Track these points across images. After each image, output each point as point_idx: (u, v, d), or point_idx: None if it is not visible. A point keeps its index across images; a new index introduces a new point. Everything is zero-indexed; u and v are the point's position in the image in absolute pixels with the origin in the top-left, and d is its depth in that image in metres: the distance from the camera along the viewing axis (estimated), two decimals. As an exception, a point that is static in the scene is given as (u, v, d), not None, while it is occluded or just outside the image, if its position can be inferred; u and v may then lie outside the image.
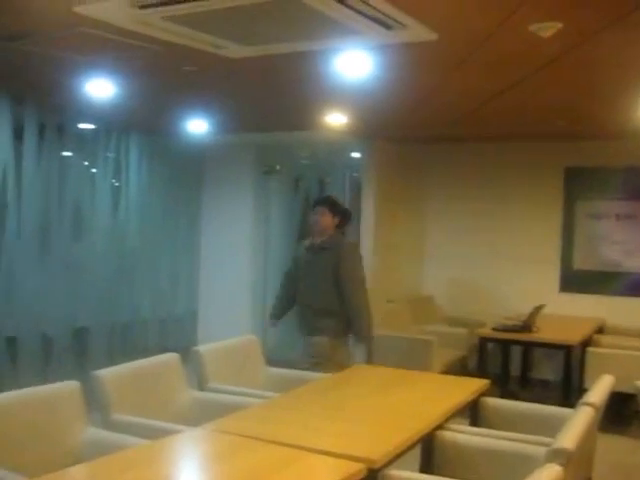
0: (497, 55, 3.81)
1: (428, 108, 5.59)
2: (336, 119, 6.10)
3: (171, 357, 4.03)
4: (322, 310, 5.13)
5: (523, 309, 6.28)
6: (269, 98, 5.42)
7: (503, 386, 6.33)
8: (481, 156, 7.61)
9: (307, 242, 5.43)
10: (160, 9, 2.89)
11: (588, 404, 3.12)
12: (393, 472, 2.79)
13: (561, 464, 2.43)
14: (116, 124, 6.83)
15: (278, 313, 5.56)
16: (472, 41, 3.54)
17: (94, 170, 6.89)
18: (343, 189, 8.61)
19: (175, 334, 7.72)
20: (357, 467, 2.59)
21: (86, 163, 6.84)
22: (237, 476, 2.53)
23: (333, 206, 5.33)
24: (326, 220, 5.25)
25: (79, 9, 2.88)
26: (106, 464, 2.64)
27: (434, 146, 7.78)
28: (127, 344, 6.98)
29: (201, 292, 8.32)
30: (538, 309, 6.13)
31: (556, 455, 2.52)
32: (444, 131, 6.84)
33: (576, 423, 2.87)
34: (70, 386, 3.36)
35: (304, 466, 2.64)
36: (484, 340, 6.18)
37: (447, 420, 3.43)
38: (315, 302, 5.18)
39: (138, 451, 2.86)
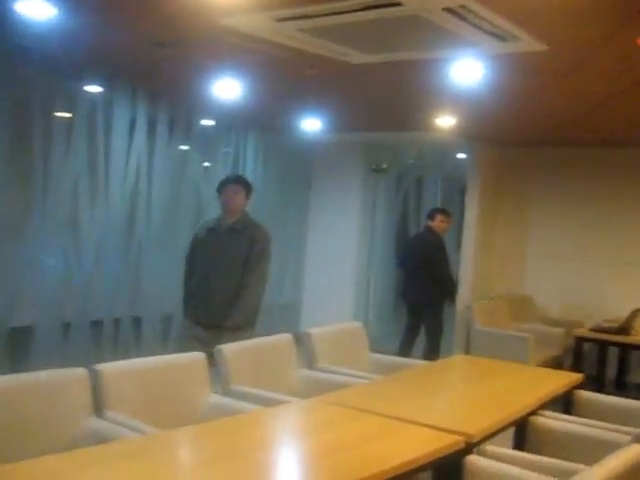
0: (605, 64, 3.98)
1: (536, 112, 5.74)
2: (445, 121, 6.34)
3: (285, 337, 4.38)
4: (224, 300, 4.65)
5: (624, 312, 6.34)
6: (384, 100, 5.70)
7: (598, 388, 6.39)
8: (587, 160, 7.63)
9: (210, 222, 4.93)
10: (295, 22, 3.24)
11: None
12: (489, 447, 3.05)
13: (646, 447, 2.62)
14: (236, 121, 7.28)
15: (184, 311, 4.92)
16: (580, 52, 3.74)
17: (214, 164, 7.35)
18: (442, 189, 8.83)
19: (279, 322, 8.08)
20: (456, 439, 2.86)
21: (207, 157, 7.29)
22: (344, 441, 2.80)
23: (248, 186, 4.89)
24: (240, 200, 4.79)
25: (226, 21, 3.26)
26: (224, 425, 2.99)
27: (539, 150, 7.87)
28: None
29: (306, 283, 8.73)
30: (637, 312, 6.20)
31: (642, 438, 2.72)
32: (551, 135, 6.95)
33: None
34: (197, 356, 3.75)
35: (407, 435, 2.92)
36: (580, 340, 6.29)
37: (540, 408, 3.65)
38: (228, 289, 4.65)
39: (252, 415, 3.22)
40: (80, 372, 3.16)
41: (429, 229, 7.25)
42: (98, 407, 3.17)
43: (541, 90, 4.89)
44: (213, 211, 7.19)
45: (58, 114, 5.60)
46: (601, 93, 4.82)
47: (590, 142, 7.30)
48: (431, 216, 7.29)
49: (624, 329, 6.14)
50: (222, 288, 4.65)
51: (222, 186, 4.83)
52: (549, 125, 6.37)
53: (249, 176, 7.56)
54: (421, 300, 7.15)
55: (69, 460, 2.42)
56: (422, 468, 2.71)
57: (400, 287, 7.67)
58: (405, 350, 7.26)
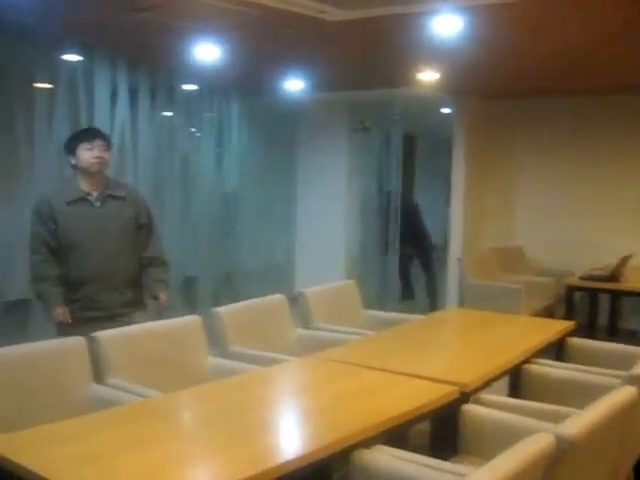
0: (586, 12, 3.97)
1: (520, 63, 5.72)
2: (428, 76, 6.32)
3: (279, 298, 4.41)
4: (128, 280, 4.01)
5: (613, 260, 6.40)
6: (365, 57, 5.67)
7: (590, 335, 6.45)
8: (575, 110, 7.62)
9: (70, 191, 3.89)
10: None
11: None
12: (484, 395, 3.12)
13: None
14: (218, 86, 7.25)
15: (60, 298, 3.86)
16: (556, 1, 3.73)
17: (198, 129, 7.33)
18: (428, 145, 8.85)
19: (274, 283, 8.11)
20: (451, 389, 2.91)
21: (191, 122, 7.26)
22: (343, 396, 2.86)
23: (110, 142, 4.04)
24: (108, 158, 3.97)
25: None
26: (225, 385, 3.04)
27: (526, 101, 7.86)
28: (231, 292, 7.44)
29: (298, 244, 8.78)
30: (626, 259, 6.26)
31: (632, 380, 2.78)
32: (537, 85, 6.93)
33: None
34: (193, 320, 3.78)
35: (403, 388, 2.97)
36: (571, 289, 6.37)
37: (534, 356, 3.71)
38: (118, 270, 3.95)
39: (252, 375, 3.26)
40: (78, 341, 3.19)
41: None
42: (99, 374, 3.21)
43: (523, 41, 4.88)
44: (203, 177, 7.22)
45: (39, 85, 5.55)
46: (583, 42, 4.81)
47: (577, 91, 7.29)
48: None
49: (614, 276, 6.21)
50: (125, 270, 3.98)
51: (84, 141, 3.86)
52: (534, 75, 6.36)
53: (234, 141, 7.57)
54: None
55: (75, 426, 2.45)
56: (420, 418, 2.76)
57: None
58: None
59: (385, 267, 8.86)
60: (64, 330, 3.78)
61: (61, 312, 3.82)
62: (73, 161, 3.87)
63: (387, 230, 8.81)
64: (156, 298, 4.11)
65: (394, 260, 8.70)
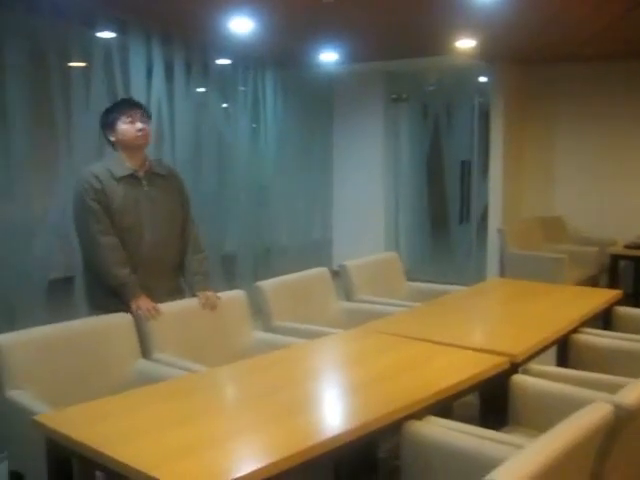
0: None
1: (562, 25, 5.59)
2: (465, 43, 6.21)
3: (322, 271, 4.40)
4: (176, 265, 3.68)
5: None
6: (402, 24, 5.58)
7: (635, 304, 6.36)
8: (616, 74, 7.45)
9: (115, 168, 3.46)
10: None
11: None
12: (534, 366, 3.07)
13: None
14: (253, 59, 7.20)
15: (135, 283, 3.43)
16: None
17: (234, 104, 7.28)
18: (471, 114, 8.70)
19: (312, 259, 8.09)
20: (501, 360, 2.88)
21: (226, 97, 7.21)
22: (391, 368, 2.83)
23: (149, 112, 3.68)
24: (150, 131, 3.64)
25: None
26: (271, 358, 3.03)
27: (566, 65, 7.69)
28: (269, 269, 7.42)
29: (335, 219, 8.74)
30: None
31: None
32: (578, 49, 6.76)
33: None
34: (237, 295, 3.78)
35: (452, 359, 2.94)
36: (615, 258, 6.26)
37: (581, 325, 3.65)
38: (168, 255, 3.61)
39: (298, 348, 3.24)
40: (125, 317, 3.21)
41: None
42: (146, 350, 3.23)
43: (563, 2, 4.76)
44: (239, 152, 7.17)
45: (74, 64, 5.54)
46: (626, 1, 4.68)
47: (620, 55, 7.10)
48: None
49: (659, 243, 6.11)
50: (174, 255, 3.65)
51: (122, 114, 3.48)
52: (576, 39, 6.20)
53: (269, 115, 7.51)
54: None
55: (123, 400, 2.47)
56: (469, 390, 2.74)
57: None
58: None
59: (462, 236, 8.87)
60: None
61: (149, 303, 3.38)
62: (112, 137, 3.50)
63: (462, 199, 8.78)
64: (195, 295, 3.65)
65: (469, 229, 8.70)
